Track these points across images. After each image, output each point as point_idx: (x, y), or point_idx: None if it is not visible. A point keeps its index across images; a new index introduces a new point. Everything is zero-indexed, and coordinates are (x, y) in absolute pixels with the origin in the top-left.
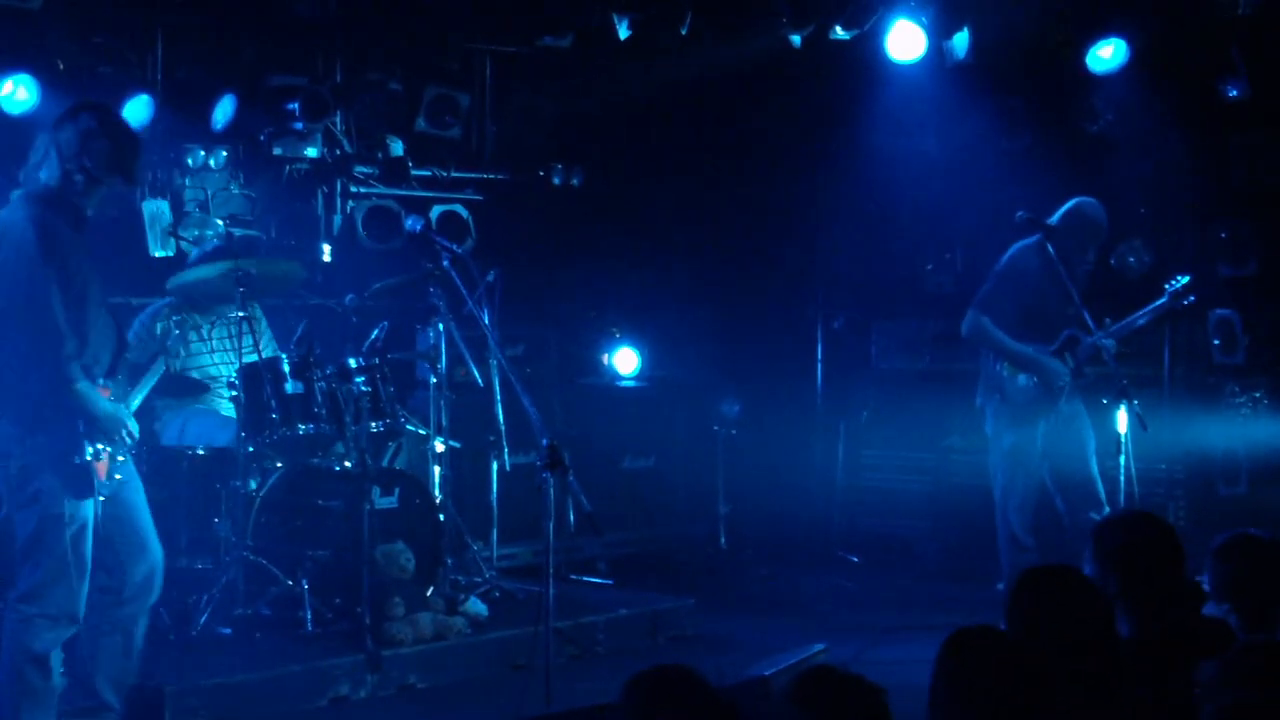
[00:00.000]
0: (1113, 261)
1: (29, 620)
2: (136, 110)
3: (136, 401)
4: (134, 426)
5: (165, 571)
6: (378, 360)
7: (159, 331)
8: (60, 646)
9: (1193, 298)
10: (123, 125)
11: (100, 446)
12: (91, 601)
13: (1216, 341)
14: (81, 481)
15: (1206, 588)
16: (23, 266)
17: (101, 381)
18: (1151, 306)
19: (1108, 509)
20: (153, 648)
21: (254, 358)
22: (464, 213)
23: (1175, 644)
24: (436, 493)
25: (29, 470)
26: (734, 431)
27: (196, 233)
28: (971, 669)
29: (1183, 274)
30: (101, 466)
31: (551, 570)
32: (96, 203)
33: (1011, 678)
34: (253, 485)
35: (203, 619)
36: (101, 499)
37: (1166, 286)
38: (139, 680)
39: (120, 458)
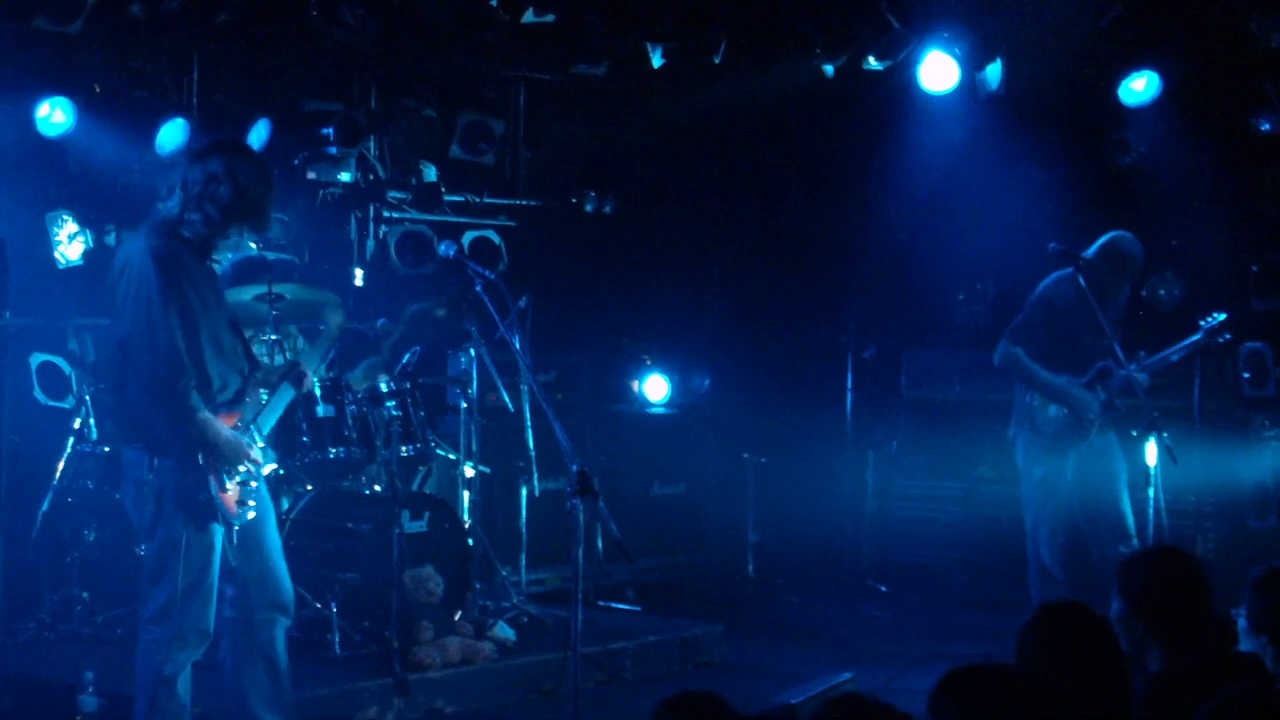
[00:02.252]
0: (1144, 294)
1: (158, 642)
2: (172, 134)
3: (269, 424)
4: (259, 451)
5: None
6: (409, 384)
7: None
8: (189, 667)
9: (1228, 335)
10: (253, 173)
11: (225, 478)
12: (229, 633)
13: (1247, 375)
14: (205, 514)
15: (1243, 622)
16: (143, 298)
17: (225, 409)
18: (1186, 342)
19: (1136, 543)
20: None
21: None
22: (496, 239)
23: (1204, 680)
24: (466, 517)
25: (155, 494)
26: (764, 460)
27: (231, 256)
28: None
29: (1218, 310)
30: (229, 498)
31: (580, 596)
32: (222, 243)
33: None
34: (284, 507)
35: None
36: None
37: (1202, 323)
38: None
39: (253, 483)
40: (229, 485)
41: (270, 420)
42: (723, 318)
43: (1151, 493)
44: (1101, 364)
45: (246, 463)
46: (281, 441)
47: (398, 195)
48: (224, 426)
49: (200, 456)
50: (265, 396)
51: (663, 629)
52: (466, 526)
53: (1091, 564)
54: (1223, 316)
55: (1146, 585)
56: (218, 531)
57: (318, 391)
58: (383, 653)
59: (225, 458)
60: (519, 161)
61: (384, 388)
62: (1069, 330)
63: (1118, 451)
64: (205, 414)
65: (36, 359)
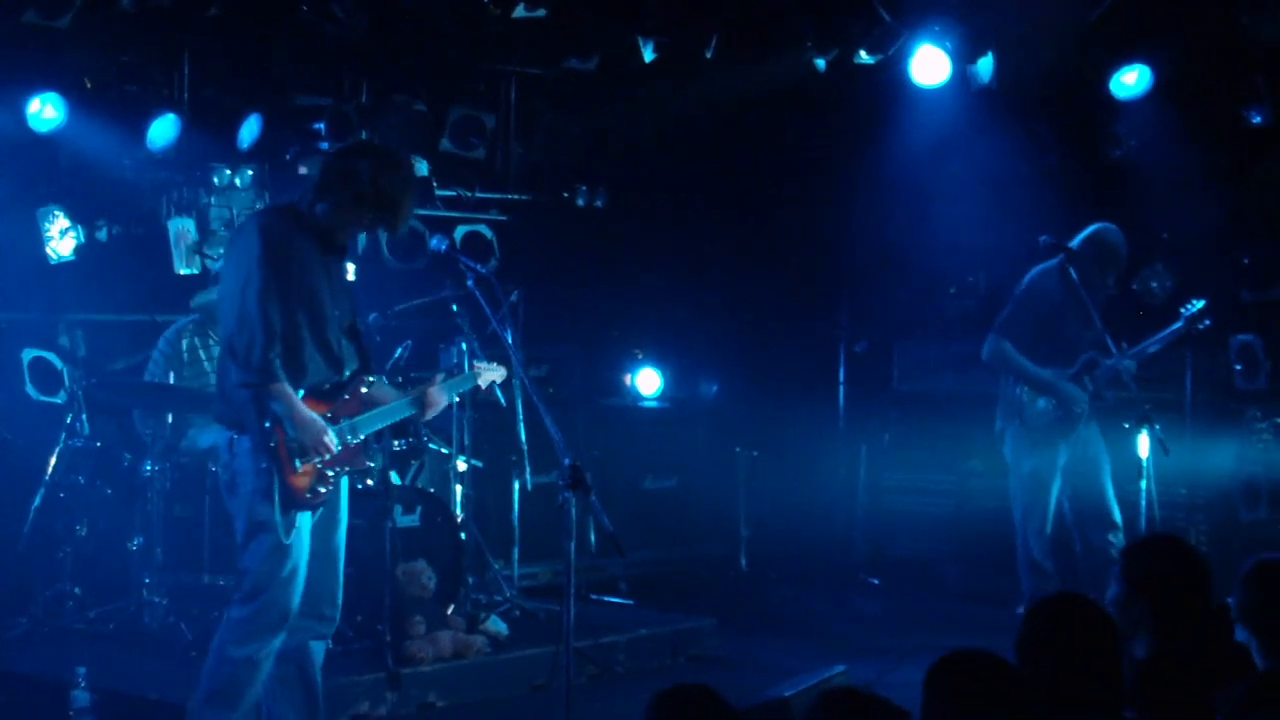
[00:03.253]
0: (1135, 286)
1: (240, 622)
2: (163, 129)
3: (368, 428)
4: (337, 444)
5: (187, 587)
6: (401, 379)
7: (184, 348)
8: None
9: (1209, 321)
10: (394, 173)
11: (296, 461)
12: None
13: (1239, 366)
14: (276, 490)
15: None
16: (242, 264)
17: (314, 396)
18: (1168, 330)
19: (1123, 531)
20: (173, 663)
21: None
22: (488, 233)
23: (1195, 669)
24: (458, 511)
25: (237, 475)
26: (756, 453)
27: (222, 251)
28: (958, 695)
29: (1199, 298)
30: (296, 481)
31: (572, 590)
32: (348, 234)
33: (1003, 703)
34: None
35: None
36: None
37: (1183, 310)
38: (158, 697)
39: (329, 475)
40: (299, 467)
41: (372, 426)
42: (714, 311)
43: (1143, 484)
44: (1088, 355)
45: (321, 450)
46: None
47: None
48: (305, 406)
49: (269, 426)
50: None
51: (655, 622)
52: (459, 521)
53: (1076, 554)
54: (1202, 303)
55: (1148, 571)
56: (305, 518)
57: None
58: (375, 647)
59: (298, 437)
60: (510, 156)
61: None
62: (1056, 322)
63: (1101, 442)
64: (284, 384)
65: (28, 354)
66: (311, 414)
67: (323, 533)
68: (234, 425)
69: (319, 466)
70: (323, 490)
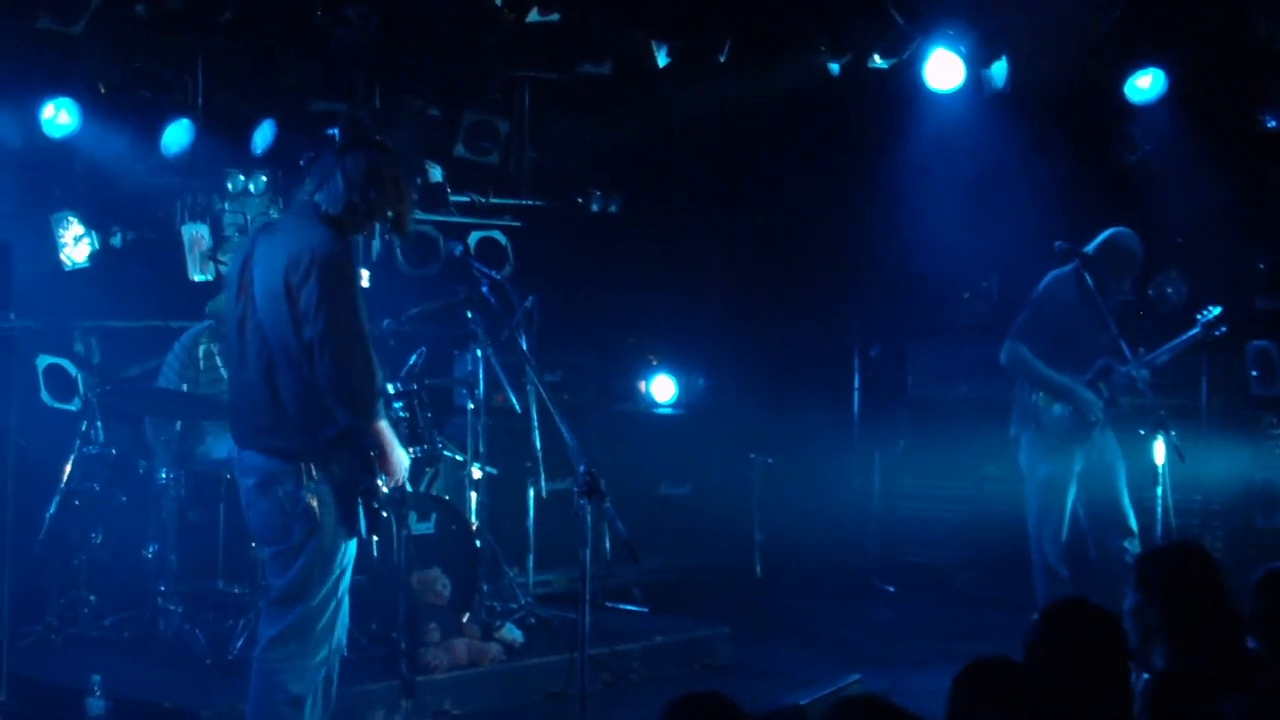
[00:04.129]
0: (1150, 292)
1: (287, 660)
2: (176, 135)
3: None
4: (407, 470)
5: (201, 594)
6: (415, 386)
7: (200, 354)
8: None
9: (1225, 328)
10: (402, 177)
11: (378, 489)
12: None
13: (1255, 373)
14: (369, 519)
15: None
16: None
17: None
18: (1184, 337)
19: (1138, 538)
20: (187, 671)
21: None
22: (502, 239)
23: (1212, 677)
24: (473, 519)
25: (307, 505)
26: (770, 460)
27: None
28: (985, 700)
29: (1215, 304)
30: (374, 511)
31: (587, 597)
32: (358, 236)
33: (1022, 711)
34: None
35: (239, 643)
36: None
37: (1199, 317)
38: (172, 705)
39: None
40: (380, 496)
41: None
42: (729, 317)
43: (1160, 491)
44: (1103, 361)
45: (399, 478)
46: None
47: None
48: (395, 438)
49: (375, 463)
50: None
51: (670, 630)
52: (474, 528)
53: (1091, 561)
54: (1218, 310)
55: (1164, 579)
56: (354, 547)
57: None
58: (390, 654)
59: (390, 470)
60: (524, 161)
61: (390, 389)
62: (1072, 327)
63: (1116, 448)
64: (386, 420)
65: (43, 361)
66: (399, 447)
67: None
68: (307, 457)
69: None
70: (387, 515)
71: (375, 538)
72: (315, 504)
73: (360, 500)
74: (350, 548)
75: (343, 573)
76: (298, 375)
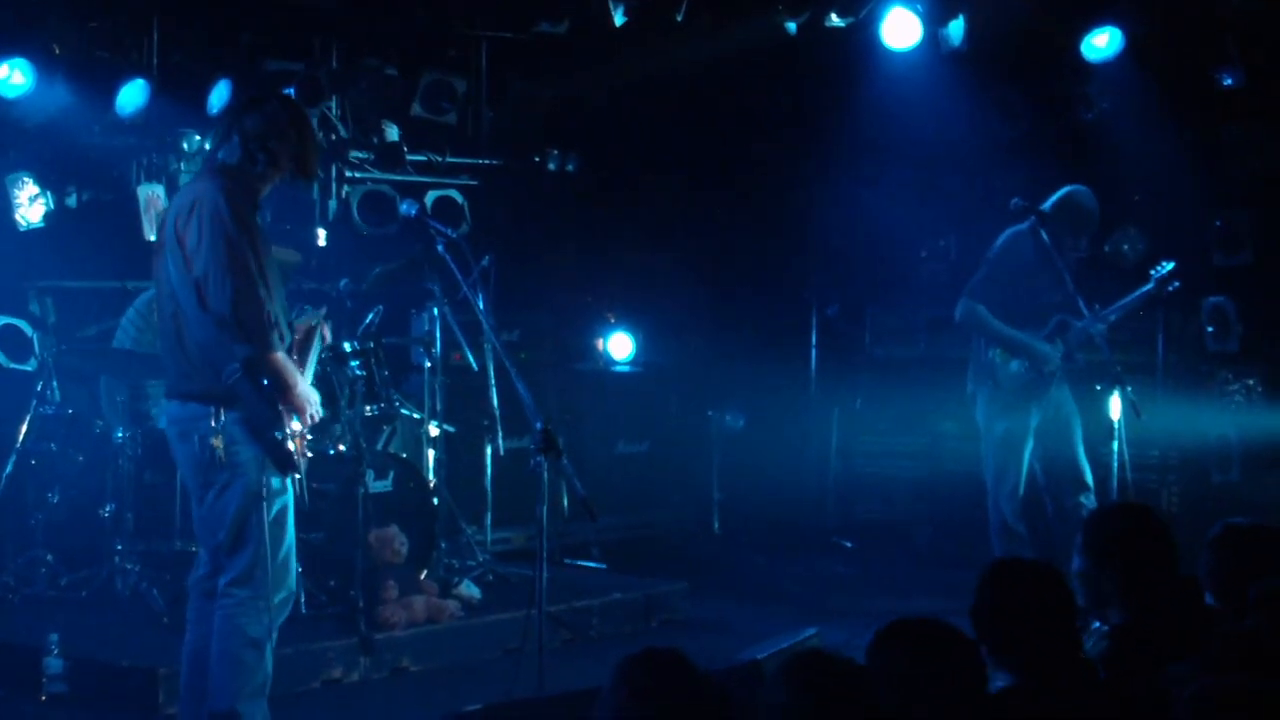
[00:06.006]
0: (1107, 249)
1: (244, 603)
2: (132, 95)
3: (309, 377)
4: (320, 405)
5: (158, 553)
6: (372, 344)
7: (158, 316)
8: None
9: (1178, 283)
10: (309, 123)
11: (291, 427)
12: (200, 605)
13: (1210, 329)
14: (281, 457)
15: None
16: (220, 234)
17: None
18: (1138, 293)
19: (1094, 494)
20: (145, 629)
21: None
22: (459, 198)
23: (1164, 635)
24: (431, 477)
25: (226, 445)
26: (728, 417)
27: None
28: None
29: (1170, 260)
30: (298, 444)
31: (545, 554)
32: (268, 191)
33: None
34: None
35: None
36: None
37: (1152, 272)
38: (130, 663)
39: (309, 437)
40: (292, 434)
41: (309, 375)
42: (686, 275)
43: (1115, 446)
44: (1059, 317)
45: (311, 412)
46: None
47: (360, 155)
48: (298, 371)
49: (276, 397)
50: None
51: (628, 587)
52: (431, 486)
53: (1048, 517)
54: (1171, 265)
55: (1112, 540)
56: (291, 486)
57: None
58: (348, 612)
59: (296, 405)
60: (481, 120)
61: (347, 347)
62: (1028, 285)
63: (1072, 404)
64: (283, 353)
65: None
66: (304, 380)
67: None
68: (214, 399)
69: (301, 431)
70: (310, 455)
71: (295, 475)
72: (224, 445)
73: (270, 437)
74: (284, 488)
75: (284, 508)
76: (197, 318)
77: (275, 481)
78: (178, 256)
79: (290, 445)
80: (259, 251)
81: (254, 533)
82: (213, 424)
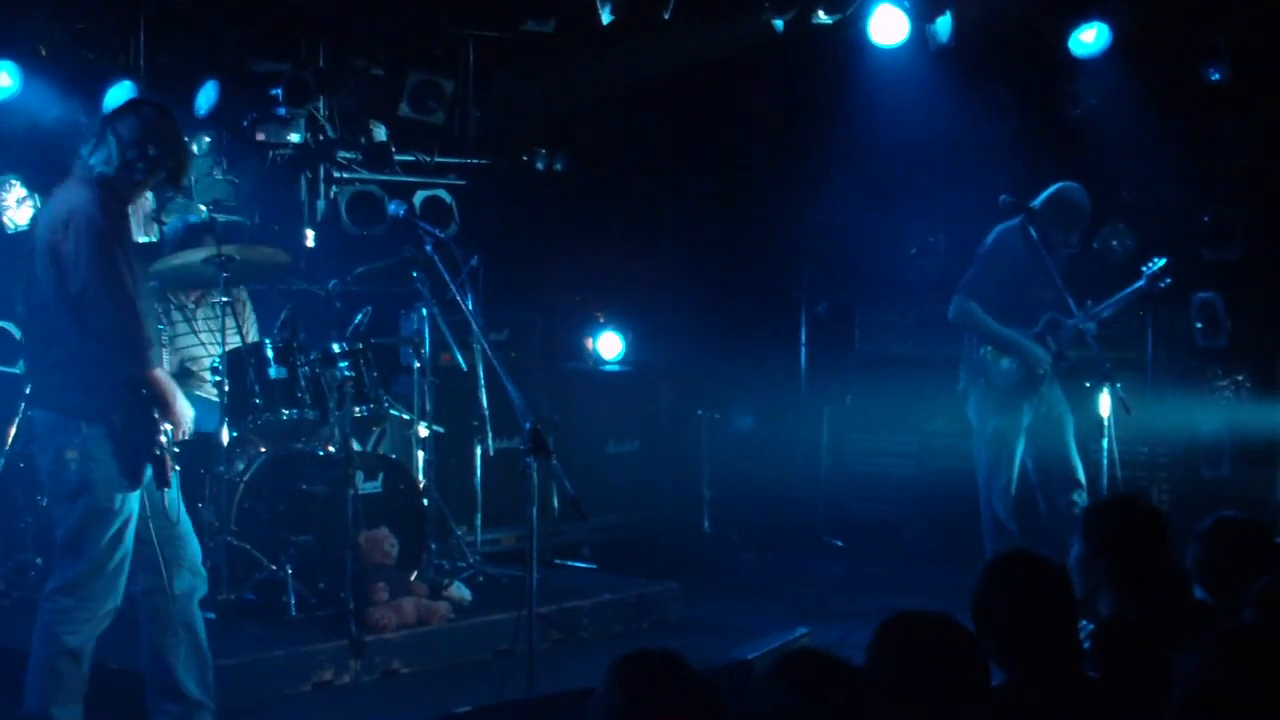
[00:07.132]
0: (1096, 245)
1: (66, 612)
2: (119, 96)
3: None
4: (194, 419)
5: None
6: (361, 345)
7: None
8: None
9: (1169, 280)
10: (174, 129)
11: (168, 439)
12: (150, 605)
13: (1200, 325)
14: (141, 472)
15: None
16: (100, 249)
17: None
18: (1129, 290)
19: (1087, 492)
20: (133, 632)
21: (238, 343)
22: (447, 198)
23: (1157, 627)
24: (420, 478)
25: (81, 460)
26: (718, 415)
27: (180, 219)
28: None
29: (1160, 257)
30: (168, 460)
31: (535, 555)
32: (137, 197)
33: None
34: (238, 469)
35: None
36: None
37: (1144, 269)
38: (119, 666)
39: (177, 449)
40: (168, 449)
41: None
42: (676, 275)
43: (1105, 443)
44: (1050, 315)
45: (185, 427)
46: (234, 404)
47: (347, 155)
48: (176, 386)
49: (155, 413)
50: None
51: (618, 587)
52: (421, 487)
53: (1040, 515)
54: (1163, 262)
55: (1110, 530)
56: (137, 499)
57: (270, 355)
58: (338, 614)
59: (173, 420)
60: (469, 120)
61: (336, 348)
62: (1019, 282)
63: (1064, 402)
64: (163, 369)
65: None
66: (182, 396)
67: (175, 494)
68: (79, 413)
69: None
70: (176, 466)
71: (167, 490)
72: (79, 459)
73: (146, 453)
74: (132, 500)
75: (125, 524)
76: (71, 332)
77: (121, 500)
78: (49, 269)
79: (167, 459)
80: (134, 268)
81: (89, 547)
82: (73, 438)
